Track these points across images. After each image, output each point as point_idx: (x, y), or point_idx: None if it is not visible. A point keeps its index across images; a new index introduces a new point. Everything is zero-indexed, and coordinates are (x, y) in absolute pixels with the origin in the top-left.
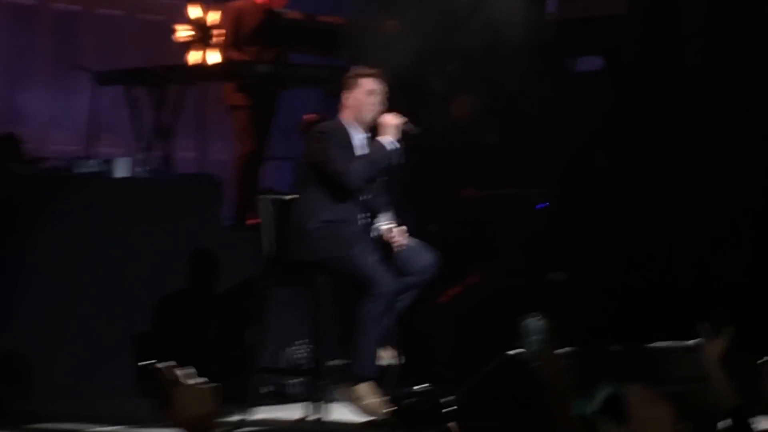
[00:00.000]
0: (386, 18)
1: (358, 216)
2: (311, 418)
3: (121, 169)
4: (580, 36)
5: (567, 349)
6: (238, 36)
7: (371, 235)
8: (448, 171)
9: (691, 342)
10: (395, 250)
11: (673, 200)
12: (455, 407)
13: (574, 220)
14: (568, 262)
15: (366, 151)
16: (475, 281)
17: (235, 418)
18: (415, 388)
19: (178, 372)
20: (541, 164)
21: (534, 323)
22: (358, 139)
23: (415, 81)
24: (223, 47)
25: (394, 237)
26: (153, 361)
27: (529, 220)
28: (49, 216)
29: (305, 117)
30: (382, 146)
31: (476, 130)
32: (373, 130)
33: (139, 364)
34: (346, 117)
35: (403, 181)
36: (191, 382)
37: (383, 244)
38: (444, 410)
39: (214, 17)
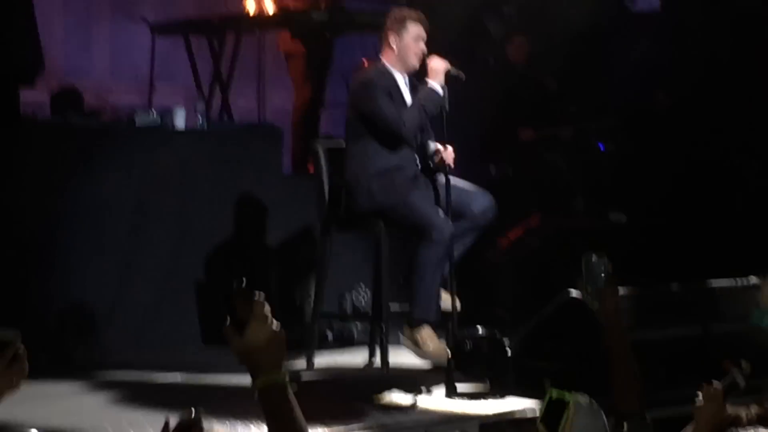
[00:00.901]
0: None
1: (413, 161)
2: (374, 363)
3: (180, 120)
4: None
5: (628, 288)
6: None
7: (427, 153)
8: (506, 113)
9: (750, 280)
10: (443, 165)
11: (732, 140)
12: (517, 349)
13: (633, 160)
14: (628, 202)
15: (408, 93)
16: (535, 223)
17: (299, 363)
18: (475, 330)
19: (267, 308)
20: (600, 104)
21: (595, 261)
22: (402, 82)
23: (472, 23)
24: None
25: (446, 155)
26: (244, 282)
27: (588, 161)
28: (110, 168)
29: (364, 62)
30: (432, 91)
31: (534, 71)
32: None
33: (238, 281)
34: (390, 60)
35: (461, 123)
36: (275, 323)
37: (438, 190)
38: (504, 352)
39: None
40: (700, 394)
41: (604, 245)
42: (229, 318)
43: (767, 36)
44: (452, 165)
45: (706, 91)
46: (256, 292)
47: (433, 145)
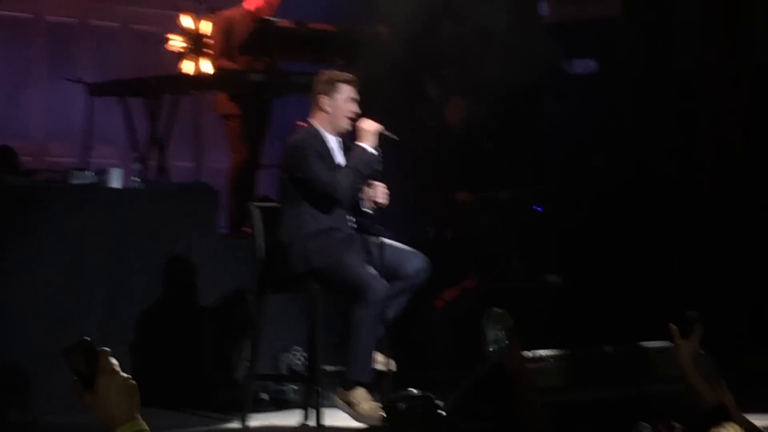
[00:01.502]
0: (376, 24)
1: (347, 222)
2: (308, 424)
3: (116, 180)
4: (574, 39)
5: (562, 350)
6: (230, 45)
7: (360, 204)
8: (443, 175)
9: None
10: (374, 204)
11: (670, 203)
12: (450, 410)
13: (569, 222)
14: (565, 264)
15: (341, 155)
16: (471, 284)
17: (233, 425)
18: (410, 392)
19: (114, 361)
20: (537, 166)
21: (494, 318)
22: (333, 144)
23: (410, 85)
24: (215, 57)
25: (375, 193)
26: (88, 339)
27: (524, 223)
28: (44, 227)
29: (298, 124)
30: (365, 152)
31: (471, 133)
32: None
33: (85, 338)
34: (321, 122)
35: (399, 184)
36: (124, 374)
37: (371, 250)
38: (438, 414)
39: (206, 27)
40: None
41: (539, 307)
42: (76, 375)
43: (702, 97)
44: (384, 201)
45: (641, 153)
46: (102, 348)
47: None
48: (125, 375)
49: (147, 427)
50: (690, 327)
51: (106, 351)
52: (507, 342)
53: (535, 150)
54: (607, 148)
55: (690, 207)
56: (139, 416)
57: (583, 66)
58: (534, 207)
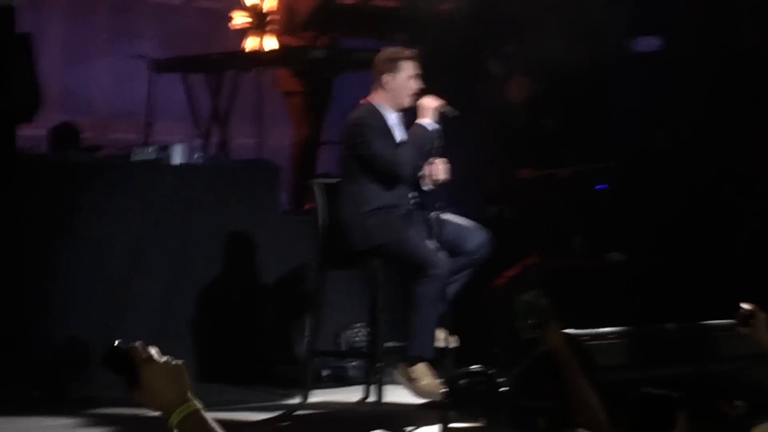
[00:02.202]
0: (440, 1)
1: (408, 198)
2: (369, 400)
3: (178, 156)
4: (639, 16)
5: (624, 328)
6: (293, 22)
7: (419, 180)
8: (506, 152)
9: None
10: (434, 181)
11: (731, 180)
12: (511, 388)
13: (632, 200)
14: (627, 242)
15: (401, 131)
16: (533, 263)
17: (294, 401)
18: (471, 369)
19: (151, 350)
20: (600, 145)
21: (528, 299)
22: (393, 120)
23: (472, 63)
24: (278, 33)
25: (435, 169)
26: (120, 340)
27: (587, 201)
28: (107, 204)
29: (361, 101)
30: (425, 130)
31: (533, 111)
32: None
33: (115, 343)
34: (381, 99)
35: (460, 163)
36: (163, 359)
37: (432, 226)
38: (499, 391)
39: (270, 4)
40: None
41: (601, 285)
42: (122, 378)
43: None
44: (443, 177)
45: (705, 131)
46: (131, 345)
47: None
48: (165, 359)
49: (198, 406)
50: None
51: (136, 345)
52: (542, 324)
53: (597, 128)
54: (673, 127)
55: (754, 185)
56: (191, 397)
57: (647, 43)
58: (597, 186)
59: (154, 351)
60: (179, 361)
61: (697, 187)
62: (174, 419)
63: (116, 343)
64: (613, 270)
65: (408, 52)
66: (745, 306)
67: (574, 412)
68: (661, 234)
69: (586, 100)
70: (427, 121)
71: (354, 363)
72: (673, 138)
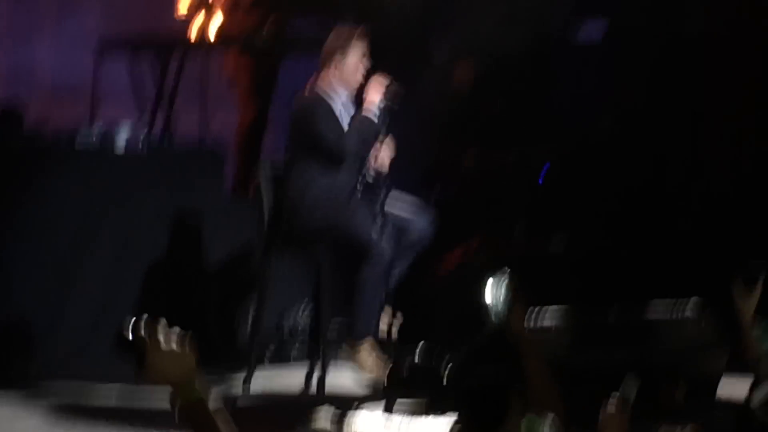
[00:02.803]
0: None
1: (353, 182)
2: (313, 379)
3: (123, 139)
4: (582, 2)
5: (567, 312)
6: (240, 3)
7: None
8: (450, 136)
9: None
10: (380, 166)
11: (678, 164)
12: (455, 369)
13: (576, 185)
14: (572, 227)
15: (349, 111)
16: (476, 246)
17: (238, 381)
18: (415, 349)
19: (159, 327)
20: (544, 130)
21: (498, 281)
22: (342, 102)
23: (417, 45)
24: (226, 14)
25: (381, 153)
26: (132, 321)
27: (531, 185)
28: (50, 188)
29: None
30: (371, 112)
31: (479, 95)
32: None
33: (120, 333)
34: (334, 79)
35: (404, 146)
36: (171, 337)
37: (377, 209)
38: (443, 372)
39: None
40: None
41: (544, 270)
42: (135, 359)
43: (709, 63)
44: (390, 160)
45: (649, 118)
46: (147, 319)
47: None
48: (172, 348)
49: (201, 395)
50: (754, 279)
51: (142, 335)
52: (510, 306)
53: (542, 113)
54: (617, 112)
55: (697, 174)
56: (195, 380)
57: (592, 30)
58: (541, 170)
59: (162, 333)
60: (188, 349)
61: (641, 172)
62: (179, 403)
63: (130, 321)
64: (556, 254)
65: (357, 32)
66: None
67: (533, 393)
68: (604, 220)
69: (531, 85)
70: (374, 102)
71: (298, 345)
72: (618, 123)
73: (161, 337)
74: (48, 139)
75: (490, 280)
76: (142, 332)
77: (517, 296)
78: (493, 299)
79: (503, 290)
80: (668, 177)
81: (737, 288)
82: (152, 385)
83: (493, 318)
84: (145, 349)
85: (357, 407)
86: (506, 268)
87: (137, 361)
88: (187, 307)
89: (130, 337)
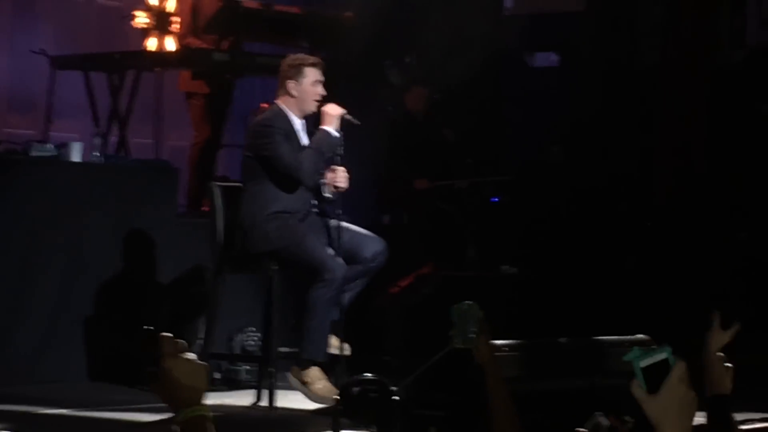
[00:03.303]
0: (343, 9)
1: (308, 204)
2: (261, 404)
3: (77, 154)
4: (536, 32)
5: (516, 341)
6: (196, 24)
7: (320, 186)
8: (403, 162)
9: (637, 336)
10: (334, 187)
11: (627, 197)
12: (404, 396)
13: (526, 214)
14: (520, 255)
15: (305, 136)
16: (427, 272)
17: None
18: (364, 376)
19: (179, 343)
20: (496, 156)
21: (465, 309)
22: (299, 125)
23: (372, 71)
24: (180, 35)
25: (336, 177)
26: (152, 328)
27: (482, 212)
28: (2, 199)
29: (262, 105)
30: (328, 134)
31: (432, 122)
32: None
33: (144, 328)
34: (287, 104)
35: (357, 170)
36: (189, 356)
37: (330, 232)
38: (391, 399)
39: (172, 5)
40: None
41: (494, 296)
42: (147, 365)
43: (665, 91)
44: (344, 185)
45: (601, 147)
46: (163, 334)
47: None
48: (191, 358)
49: (208, 413)
50: (729, 321)
51: (168, 336)
52: (477, 333)
53: (495, 141)
54: (567, 141)
55: (647, 205)
56: (203, 400)
57: (545, 59)
58: (492, 198)
59: (183, 345)
60: (203, 363)
61: (590, 201)
62: (181, 416)
63: (152, 327)
64: (504, 282)
65: (312, 59)
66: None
67: (496, 423)
68: (554, 247)
69: (484, 112)
70: (330, 127)
71: (247, 366)
72: (567, 152)
73: (182, 348)
74: (2, 149)
75: (458, 308)
76: (167, 339)
77: (483, 324)
78: (459, 326)
79: (471, 318)
80: (617, 208)
81: (713, 324)
82: (157, 396)
83: (458, 344)
84: (165, 353)
85: None
86: (454, 296)
87: (154, 363)
88: (138, 324)
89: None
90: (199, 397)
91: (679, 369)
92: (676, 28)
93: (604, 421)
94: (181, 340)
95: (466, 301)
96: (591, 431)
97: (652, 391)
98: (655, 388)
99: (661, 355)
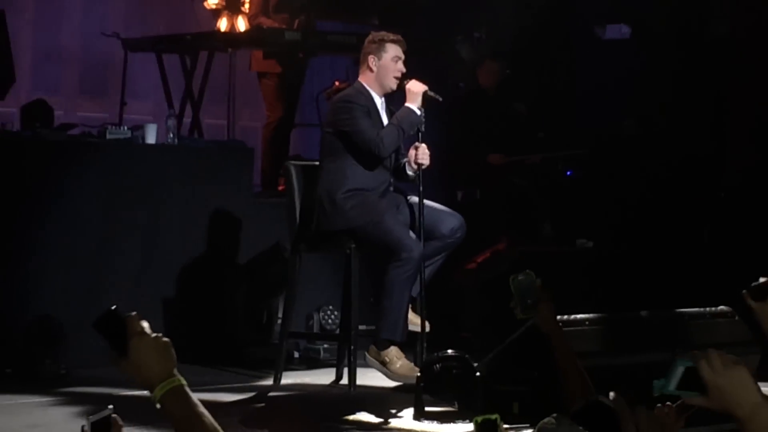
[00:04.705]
0: None
1: (386, 181)
2: (341, 383)
3: (151, 136)
4: (608, 4)
5: (596, 315)
6: (267, 3)
7: (402, 162)
8: (476, 137)
9: (719, 308)
10: (416, 164)
11: (701, 168)
12: (485, 372)
13: (601, 187)
14: (595, 229)
15: (385, 114)
16: (503, 247)
17: (266, 382)
18: (445, 353)
19: (144, 323)
20: (570, 131)
21: (522, 279)
22: (379, 103)
23: (444, 48)
24: (251, 15)
25: (417, 153)
26: (116, 307)
27: (556, 187)
28: (80, 182)
29: (336, 84)
30: (411, 112)
31: (504, 97)
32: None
33: (111, 308)
34: (368, 81)
35: (431, 146)
36: (153, 335)
37: (411, 209)
38: (474, 375)
39: None
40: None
41: (571, 271)
42: (109, 344)
43: (737, 63)
44: (426, 162)
45: (675, 120)
46: (128, 314)
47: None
48: (155, 335)
49: (183, 381)
50: (763, 292)
51: (133, 316)
52: (537, 304)
53: (568, 115)
54: (641, 114)
55: (721, 177)
56: (176, 371)
57: (617, 31)
58: (567, 172)
59: (146, 325)
60: (167, 339)
61: (666, 174)
62: (157, 393)
63: (113, 307)
64: (581, 256)
65: (393, 36)
66: (762, 279)
67: (566, 391)
68: (630, 221)
69: (557, 86)
70: (414, 105)
71: (326, 345)
72: (642, 125)
73: (146, 325)
74: (78, 132)
75: (515, 278)
76: (132, 319)
77: (543, 291)
78: (518, 296)
79: (529, 286)
80: (693, 184)
81: (748, 300)
82: (124, 374)
83: (519, 315)
84: (131, 334)
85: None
86: (530, 270)
87: (118, 344)
88: (217, 305)
89: (118, 316)
90: (171, 371)
91: (702, 363)
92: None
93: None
94: (144, 321)
95: (524, 271)
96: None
97: (703, 392)
98: (702, 388)
99: (680, 369)
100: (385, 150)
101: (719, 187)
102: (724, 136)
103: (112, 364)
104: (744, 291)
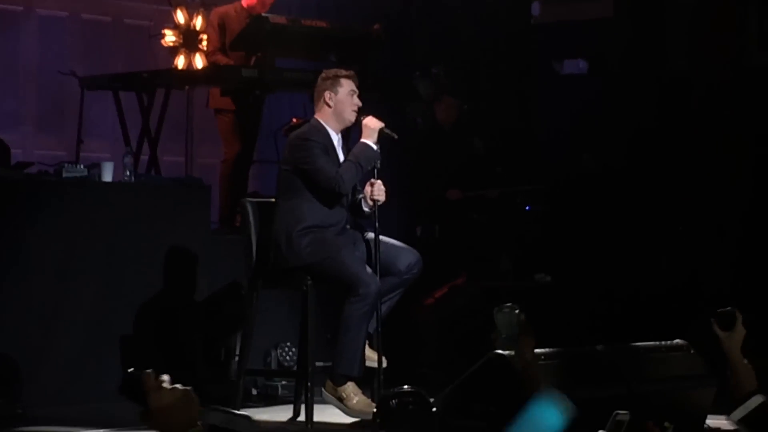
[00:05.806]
0: (370, 22)
1: (343, 218)
2: (298, 419)
3: (108, 174)
4: (565, 40)
5: (553, 349)
6: (224, 41)
7: (358, 198)
8: (434, 173)
9: (674, 342)
10: (372, 200)
11: (659, 203)
12: (442, 408)
13: (559, 222)
14: (554, 264)
15: (341, 151)
16: (461, 283)
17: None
18: (401, 388)
19: (162, 377)
20: (527, 166)
21: (507, 311)
22: (336, 140)
23: (401, 83)
24: (208, 52)
25: (373, 190)
26: (134, 368)
27: (515, 222)
28: (35, 220)
29: (294, 120)
30: (367, 147)
31: (461, 132)
32: (346, 129)
33: (128, 371)
34: (325, 118)
35: (389, 183)
36: (172, 386)
37: (367, 246)
38: (430, 411)
39: (199, 22)
40: None
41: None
42: (138, 405)
43: (693, 100)
44: (382, 198)
45: (632, 155)
46: (143, 372)
47: (361, 195)
48: (173, 386)
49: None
50: (729, 320)
51: (148, 373)
52: (517, 337)
53: (525, 150)
54: (598, 148)
55: (678, 208)
56: (198, 424)
57: (574, 66)
58: (525, 207)
59: (165, 378)
60: (186, 388)
61: (623, 210)
62: None
63: (130, 370)
64: (539, 290)
65: (346, 71)
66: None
67: None
68: (587, 254)
69: (515, 121)
70: (370, 141)
71: (284, 382)
72: (600, 160)
73: (165, 378)
74: (34, 171)
75: (500, 310)
76: (148, 376)
77: (525, 326)
78: (502, 328)
79: (513, 320)
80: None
81: (716, 329)
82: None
83: (500, 346)
84: (148, 389)
85: None
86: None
87: (142, 401)
88: (173, 342)
89: (134, 376)
90: (194, 421)
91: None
92: (704, 33)
93: (623, 416)
94: (165, 374)
95: (507, 304)
96: (612, 428)
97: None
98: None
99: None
100: (345, 187)
101: (677, 220)
102: (683, 169)
103: (143, 424)
104: (711, 319)
